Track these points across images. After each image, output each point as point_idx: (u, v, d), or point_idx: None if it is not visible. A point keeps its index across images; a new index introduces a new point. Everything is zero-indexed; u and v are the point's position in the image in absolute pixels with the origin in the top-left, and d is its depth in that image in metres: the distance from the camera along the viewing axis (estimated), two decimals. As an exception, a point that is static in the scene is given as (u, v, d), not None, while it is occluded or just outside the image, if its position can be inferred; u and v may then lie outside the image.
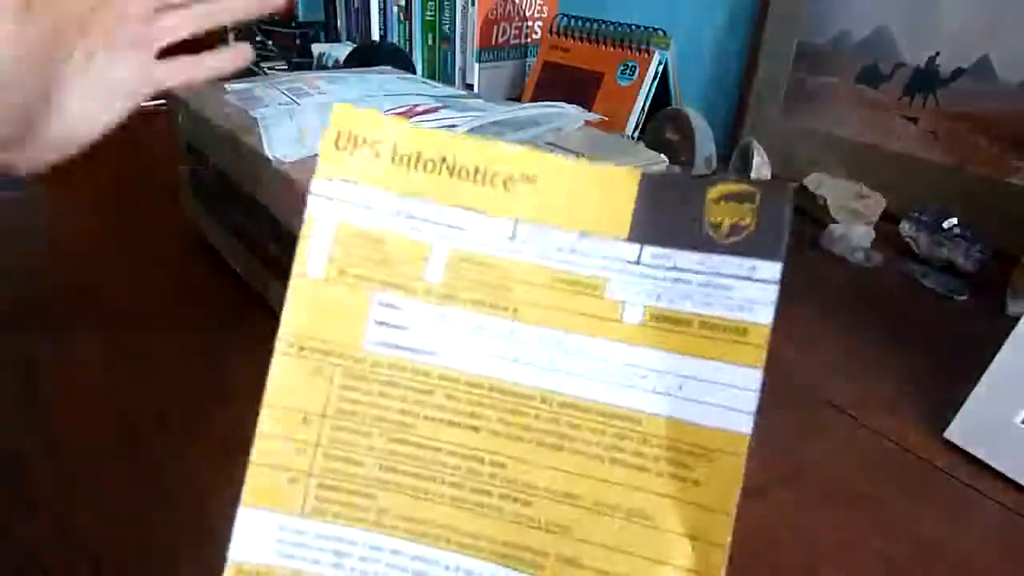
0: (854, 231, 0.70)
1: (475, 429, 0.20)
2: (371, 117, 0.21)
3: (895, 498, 0.39)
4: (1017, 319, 0.41)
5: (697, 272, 0.20)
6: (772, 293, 0.19)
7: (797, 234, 0.73)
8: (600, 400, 0.20)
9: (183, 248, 0.65)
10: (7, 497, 0.36)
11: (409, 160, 0.21)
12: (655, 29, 0.92)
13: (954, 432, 0.43)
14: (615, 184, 0.20)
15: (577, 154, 0.47)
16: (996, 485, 0.40)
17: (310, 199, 0.21)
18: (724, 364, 0.19)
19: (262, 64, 1.28)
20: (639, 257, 0.20)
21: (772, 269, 0.19)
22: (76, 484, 0.37)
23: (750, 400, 0.19)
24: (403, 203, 0.21)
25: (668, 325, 0.20)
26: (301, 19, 1.56)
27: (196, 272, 0.61)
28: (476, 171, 0.21)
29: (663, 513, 0.19)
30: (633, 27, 0.94)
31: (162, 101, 1.12)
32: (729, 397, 0.19)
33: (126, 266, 0.62)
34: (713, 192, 0.20)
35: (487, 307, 0.21)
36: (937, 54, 0.75)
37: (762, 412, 0.49)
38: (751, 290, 0.19)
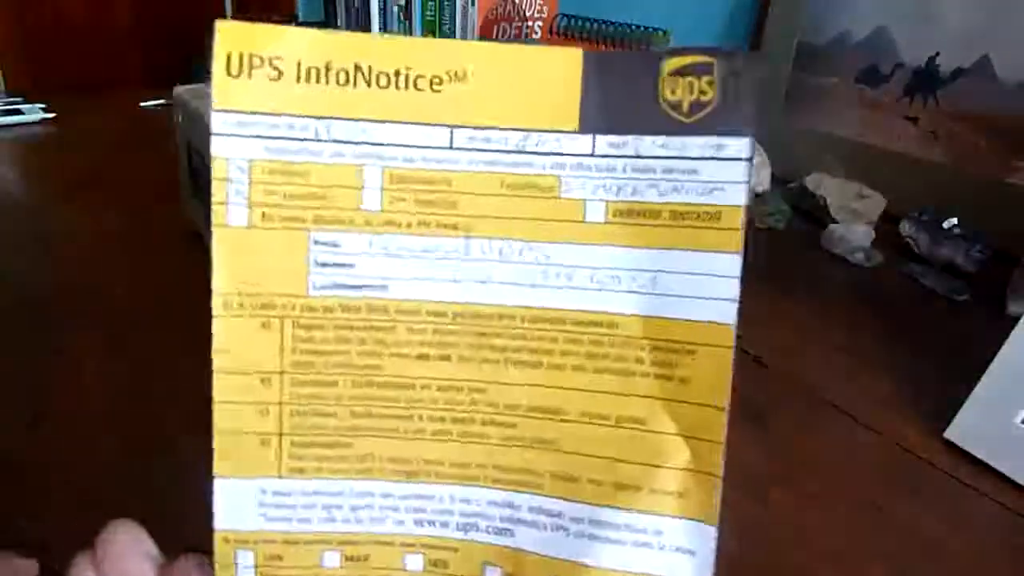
0: (854, 231, 0.70)
1: (446, 358, 0.19)
2: (265, 31, 0.18)
3: (895, 498, 0.39)
4: (1017, 319, 0.41)
5: (659, 157, 0.18)
6: (743, 171, 0.18)
7: (797, 234, 0.73)
8: (572, 308, 0.19)
9: (183, 248, 0.65)
10: (6, 498, 0.36)
11: (319, 74, 0.18)
12: (655, 29, 0.92)
13: (954, 432, 0.43)
14: (556, 69, 0.18)
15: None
16: (996, 485, 0.40)
17: (213, 139, 0.18)
18: (699, 252, 0.18)
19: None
20: (593, 149, 0.18)
21: (741, 144, 0.18)
22: (76, 485, 0.37)
23: (731, 287, 0.18)
24: (321, 126, 0.18)
25: (635, 219, 0.18)
26: (301, 19, 1.56)
27: (196, 271, 0.61)
28: (397, 75, 0.18)
29: (654, 415, 0.19)
30: (633, 27, 0.94)
31: (162, 101, 1.12)
32: (708, 286, 0.18)
33: (126, 266, 0.62)
34: (668, 66, 0.18)
35: (434, 227, 0.19)
36: (937, 54, 0.75)
37: (762, 412, 0.49)
38: (720, 170, 0.18)
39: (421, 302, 0.19)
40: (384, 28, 1.26)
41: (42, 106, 1.03)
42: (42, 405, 0.43)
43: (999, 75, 0.70)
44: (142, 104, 1.11)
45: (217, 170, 0.19)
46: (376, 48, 0.18)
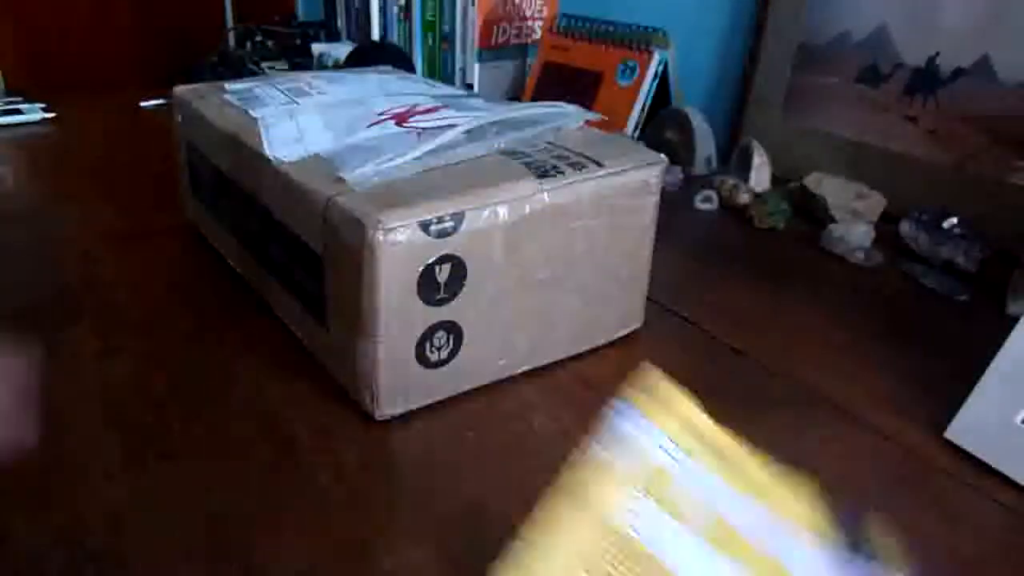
0: (854, 231, 0.70)
1: None
2: None
3: (895, 498, 0.39)
4: (1017, 319, 0.41)
5: None
6: None
7: (797, 234, 0.73)
8: None
9: (183, 248, 0.65)
10: (7, 499, 0.36)
11: None
12: (655, 29, 0.92)
13: (954, 432, 0.43)
14: None
15: (578, 154, 0.47)
16: (996, 485, 0.40)
17: None
18: None
19: (262, 64, 1.28)
20: None
21: None
22: (76, 485, 0.37)
23: None
24: None
25: None
26: (301, 19, 1.56)
27: (196, 272, 0.61)
28: None
29: None
30: (633, 27, 0.94)
31: (162, 101, 1.12)
32: None
33: (126, 266, 0.62)
34: None
35: None
36: (937, 54, 0.75)
37: (762, 412, 0.48)
38: None
39: None
40: (384, 28, 1.26)
41: (42, 106, 1.03)
42: (42, 404, 0.43)
43: (999, 75, 0.70)
44: (142, 104, 1.11)
45: None
46: None
